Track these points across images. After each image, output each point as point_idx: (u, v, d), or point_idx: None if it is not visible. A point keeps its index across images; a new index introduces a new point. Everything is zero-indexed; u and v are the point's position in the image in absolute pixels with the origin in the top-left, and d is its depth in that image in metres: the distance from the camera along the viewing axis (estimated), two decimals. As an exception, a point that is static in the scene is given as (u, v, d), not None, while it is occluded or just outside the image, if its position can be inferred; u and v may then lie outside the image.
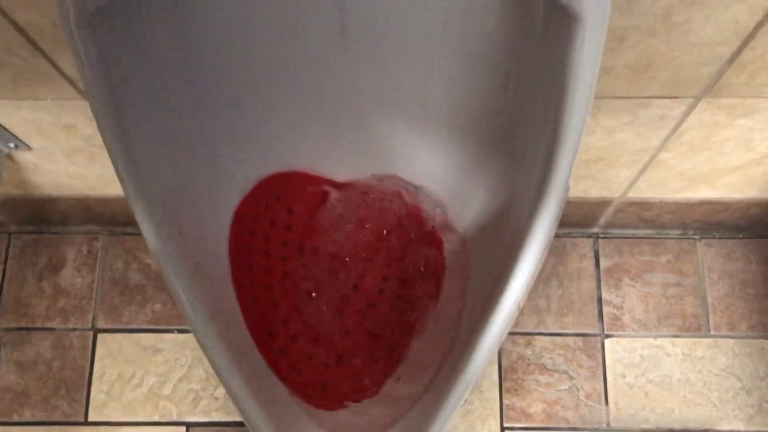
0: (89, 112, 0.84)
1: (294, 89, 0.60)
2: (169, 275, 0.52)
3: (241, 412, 0.53)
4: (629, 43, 0.68)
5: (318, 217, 0.66)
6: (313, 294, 0.66)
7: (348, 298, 0.66)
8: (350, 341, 0.65)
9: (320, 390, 0.62)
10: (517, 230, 0.58)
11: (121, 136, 0.51)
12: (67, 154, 0.96)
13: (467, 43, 0.57)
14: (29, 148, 0.94)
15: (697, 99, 0.79)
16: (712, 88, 0.76)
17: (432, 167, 0.67)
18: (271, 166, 0.63)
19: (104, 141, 0.51)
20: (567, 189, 0.55)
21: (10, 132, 0.89)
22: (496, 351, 0.54)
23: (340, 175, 0.67)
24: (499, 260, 0.57)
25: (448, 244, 0.68)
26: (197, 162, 0.57)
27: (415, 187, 0.68)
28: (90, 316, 1.22)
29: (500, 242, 0.60)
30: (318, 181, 0.66)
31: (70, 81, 0.77)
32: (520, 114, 0.58)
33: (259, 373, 0.58)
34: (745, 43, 0.68)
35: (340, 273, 0.66)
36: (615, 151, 0.92)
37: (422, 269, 0.68)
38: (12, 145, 0.92)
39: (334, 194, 0.66)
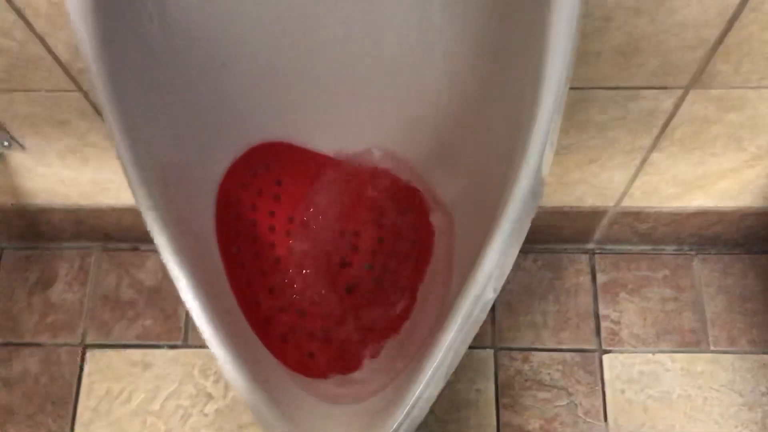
0: (83, 107, 0.85)
1: (285, 55, 0.61)
2: (152, 225, 0.51)
3: (226, 372, 0.52)
4: (615, 24, 0.69)
5: (307, 189, 0.66)
6: (302, 268, 0.65)
7: (336, 272, 0.65)
8: (337, 315, 0.64)
9: (307, 359, 0.61)
10: (495, 200, 0.56)
11: (113, 91, 0.51)
12: (61, 155, 0.96)
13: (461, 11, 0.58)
14: (22, 147, 0.94)
15: (686, 90, 0.80)
16: (700, 77, 0.77)
17: (424, 141, 0.67)
18: (261, 134, 0.63)
19: (97, 96, 0.51)
20: (552, 145, 0.54)
21: (3, 128, 0.90)
22: (480, 320, 0.53)
23: (331, 147, 0.67)
24: (482, 230, 0.56)
25: (437, 219, 0.67)
26: (187, 122, 0.57)
27: (407, 161, 0.67)
28: (79, 331, 1.20)
29: (483, 212, 0.60)
30: (308, 153, 0.66)
31: (65, 68, 0.77)
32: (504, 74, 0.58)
33: (245, 337, 0.57)
34: (730, 24, 0.69)
35: (328, 246, 0.65)
36: (608, 150, 0.93)
37: (412, 245, 0.67)
38: (5, 143, 0.92)
39: (324, 167, 0.66)
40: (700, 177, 0.99)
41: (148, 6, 0.55)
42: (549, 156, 0.53)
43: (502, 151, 0.59)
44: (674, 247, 1.22)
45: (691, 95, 0.80)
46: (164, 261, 0.52)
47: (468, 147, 0.65)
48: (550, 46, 0.51)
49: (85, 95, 0.83)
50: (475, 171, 0.64)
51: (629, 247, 1.22)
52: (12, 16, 0.69)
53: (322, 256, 0.65)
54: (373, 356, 0.63)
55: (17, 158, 0.98)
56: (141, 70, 0.55)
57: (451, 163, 0.65)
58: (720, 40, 0.71)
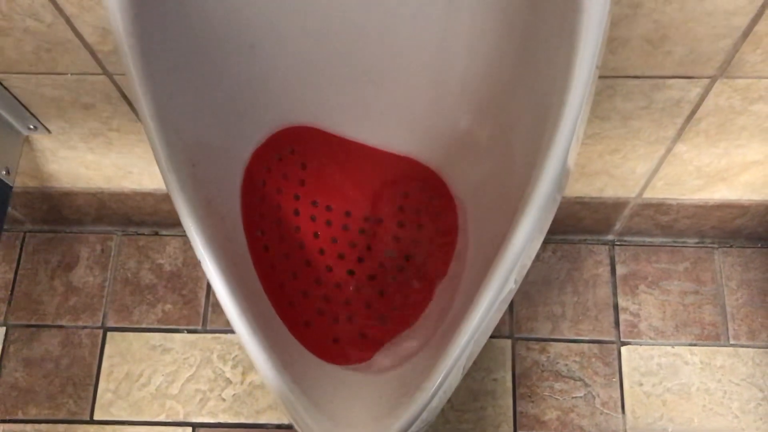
0: (108, 90, 0.85)
1: (313, 41, 0.61)
2: (179, 206, 0.51)
3: (249, 352, 0.52)
4: (644, 11, 0.69)
5: (332, 174, 0.66)
6: (325, 253, 0.65)
7: (359, 258, 0.65)
8: (361, 301, 0.64)
9: (331, 344, 0.61)
10: (517, 192, 0.56)
11: (144, 70, 0.51)
12: (85, 139, 0.97)
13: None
14: (48, 131, 0.95)
15: (713, 80, 0.79)
16: (727, 67, 0.76)
17: (448, 130, 0.67)
18: (288, 118, 0.63)
19: (127, 75, 0.52)
20: (579, 138, 0.54)
21: (30, 111, 0.90)
22: (502, 310, 0.53)
23: (357, 134, 0.67)
24: (500, 223, 0.56)
25: (461, 208, 0.67)
26: (216, 103, 0.58)
27: (432, 149, 0.67)
28: (100, 314, 1.21)
29: (502, 205, 0.59)
30: (334, 138, 0.66)
31: (91, 51, 0.78)
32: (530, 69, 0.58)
33: (269, 318, 0.57)
34: (760, 13, 0.69)
35: (352, 232, 0.65)
36: (631, 141, 0.92)
37: (435, 233, 0.67)
38: (31, 126, 0.93)
39: (350, 153, 0.66)
40: (723, 169, 0.98)
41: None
42: (575, 146, 0.53)
43: (527, 142, 0.59)
44: (695, 240, 1.21)
45: (718, 85, 0.80)
46: (191, 240, 0.53)
47: (492, 137, 0.65)
48: (582, 34, 0.51)
49: (111, 79, 0.83)
50: (497, 162, 0.64)
51: (650, 239, 1.21)
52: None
53: (345, 241, 0.65)
54: (394, 343, 0.63)
55: (42, 141, 0.99)
56: (172, 50, 0.55)
57: (473, 153, 0.65)
58: (750, 28, 0.71)
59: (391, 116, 0.68)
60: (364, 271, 0.66)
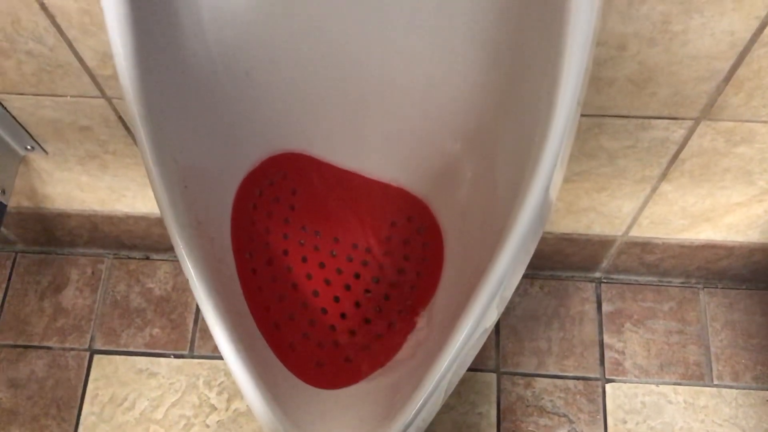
0: (107, 114, 0.87)
1: (307, 70, 0.62)
2: (170, 226, 0.53)
3: (234, 373, 0.53)
4: (629, 53, 0.71)
5: (322, 200, 0.67)
6: (313, 278, 0.66)
7: (346, 284, 0.66)
8: (346, 327, 0.65)
9: (314, 368, 0.61)
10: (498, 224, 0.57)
11: (142, 92, 0.53)
12: (81, 161, 0.98)
13: (472, 23, 0.60)
14: (45, 152, 0.97)
15: (697, 121, 0.81)
16: (711, 109, 0.79)
17: (434, 161, 0.69)
18: (281, 144, 0.65)
19: (125, 98, 0.53)
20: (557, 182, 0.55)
21: (28, 132, 0.92)
22: (481, 342, 0.54)
23: (348, 162, 0.68)
24: (481, 254, 0.57)
25: (448, 239, 0.68)
26: (210, 127, 0.59)
27: (418, 180, 0.69)
28: (88, 336, 1.21)
29: (483, 236, 0.61)
30: (325, 165, 0.67)
31: (91, 75, 0.80)
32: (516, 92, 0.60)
33: (254, 340, 0.58)
34: (741, 58, 0.71)
35: (340, 258, 0.67)
36: (617, 179, 0.94)
37: (421, 263, 0.68)
38: (29, 146, 0.95)
39: (339, 180, 0.68)
40: (708, 210, 1.00)
41: (183, 14, 0.57)
42: (558, 178, 0.55)
43: (510, 173, 0.61)
44: (681, 280, 1.22)
45: (702, 126, 0.82)
46: (180, 261, 0.54)
47: (478, 168, 0.66)
48: (564, 69, 0.53)
49: (110, 103, 0.85)
50: (481, 193, 0.65)
51: (636, 278, 1.23)
52: (45, 22, 0.72)
53: (332, 267, 0.66)
54: (378, 371, 0.63)
55: (38, 162, 1.00)
56: (169, 75, 0.56)
57: (459, 183, 0.67)
58: (731, 73, 0.73)
59: (381, 145, 0.70)
60: (350, 298, 0.67)
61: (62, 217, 1.16)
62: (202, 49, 0.60)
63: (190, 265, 0.53)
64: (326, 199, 0.68)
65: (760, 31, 0.67)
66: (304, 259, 0.66)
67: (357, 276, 0.69)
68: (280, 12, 0.58)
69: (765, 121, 0.80)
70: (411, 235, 0.70)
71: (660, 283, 1.23)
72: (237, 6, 0.59)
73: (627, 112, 0.80)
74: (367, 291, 0.67)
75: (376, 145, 0.69)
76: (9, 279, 1.26)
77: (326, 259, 0.67)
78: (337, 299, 0.66)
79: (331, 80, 0.64)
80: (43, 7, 0.70)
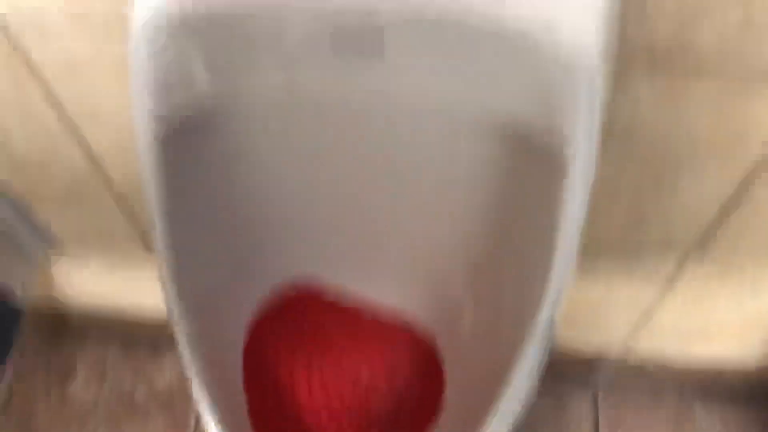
0: (131, 230, 0.92)
1: (324, 207, 0.68)
2: (185, 352, 0.56)
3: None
4: (622, 205, 0.76)
5: (330, 337, 0.71)
6: (318, 413, 0.69)
7: (350, 420, 0.69)
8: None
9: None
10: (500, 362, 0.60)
11: (168, 224, 0.57)
12: (100, 266, 1.02)
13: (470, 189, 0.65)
14: (65, 255, 1.01)
15: (688, 258, 0.85)
16: (702, 248, 0.83)
17: (441, 294, 0.73)
18: (293, 271, 0.69)
19: (150, 223, 0.57)
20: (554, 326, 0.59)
21: (50, 236, 0.96)
22: None
23: (358, 288, 0.73)
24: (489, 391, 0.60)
25: (451, 376, 0.72)
26: (227, 256, 0.64)
27: (423, 317, 0.73)
28: (90, 428, 1.23)
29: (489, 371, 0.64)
30: (334, 305, 0.72)
31: (117, 196, 0.85)
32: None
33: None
34: (728, 210, 0.75)
35: (344, 395, 0.70)
36: (611, 307, 0.97)
37: (424, 399, 0.72)
38: (49, 249, 0.99)
39: (348, 317, 0.72)
40: (703, 330, 1.03)
41: (215, 149, 0.62)
42: (559, 314, 0.58)
43: (513, 310, 0.65)
44: (677, 398, 1.24)
45: (694, 264, 0.86)
46: (193, 391, 0.57)
47: (480, 303, 0.70)
48: (562, 223, 0.57)
49: (134, 221, 0.90)
50: (484, 329, 0.69)
51: (632, 395, 1.24)
52: (78, 152, 0.77)
53: (337, 402, 0.70)
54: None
55: (58, 264, 1.04)
56: (193, 203, 0.61)
57: (462, 318, 0.71)
58: (720, 221, 0.77)
59: (390, 276, 0.74)
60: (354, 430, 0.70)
61: (74, 313, 1.19)
62: (226, 183, 0.65)
63: (203, 396, 0.56)
64: (334, 336, 0.72)
65: (744, 187, 0.72)
66: (311, 394, 0.69)
67: (361, 410, 0.72)
68: (311, 170, 0.63)
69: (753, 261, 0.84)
70: (414, 373, 0.73)
71: (656, 401, 1.24)
72: (261, 152, 0.64)
73: (621, 246, 0.84)
74: (370, 425, 0.70)
75: (386, 275, 0.73)
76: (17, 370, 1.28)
77: (332, 394, 0.70)
78: (342, 432, 0.69)
79: (346, 216, 0.69)
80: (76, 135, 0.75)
